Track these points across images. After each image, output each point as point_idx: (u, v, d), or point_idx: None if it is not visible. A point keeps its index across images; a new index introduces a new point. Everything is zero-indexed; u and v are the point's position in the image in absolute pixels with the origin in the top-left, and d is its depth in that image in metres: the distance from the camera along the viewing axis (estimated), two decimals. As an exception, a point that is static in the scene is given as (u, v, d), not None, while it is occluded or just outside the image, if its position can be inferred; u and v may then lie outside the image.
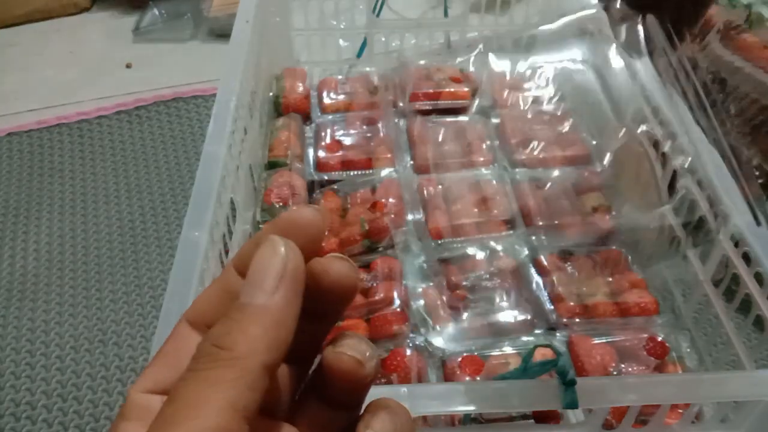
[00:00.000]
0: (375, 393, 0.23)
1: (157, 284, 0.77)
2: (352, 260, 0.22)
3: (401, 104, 0.81)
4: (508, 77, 0.84)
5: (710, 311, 0.60)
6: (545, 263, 0.64)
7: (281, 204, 0.68)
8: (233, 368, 0.18)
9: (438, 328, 0.58)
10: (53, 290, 0.77)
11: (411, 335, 0.58)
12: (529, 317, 0.60)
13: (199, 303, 0.22)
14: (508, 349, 0.58)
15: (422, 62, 0.85)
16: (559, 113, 0.79)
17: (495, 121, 0.79)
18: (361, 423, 0.22)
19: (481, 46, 0.86)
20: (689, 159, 0.61)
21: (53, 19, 1.28)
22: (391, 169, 0.73)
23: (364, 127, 0.79)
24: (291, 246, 0.20)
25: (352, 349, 0.22)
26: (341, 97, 0.83)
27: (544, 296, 0.61)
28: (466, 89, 0.81)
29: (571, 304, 0.60)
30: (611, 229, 0.67)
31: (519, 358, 0.56)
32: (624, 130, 0.69)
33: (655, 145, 0.67)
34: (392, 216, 0.66)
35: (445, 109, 0.81)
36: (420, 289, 0.61)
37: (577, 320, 0.60)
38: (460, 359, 0.56)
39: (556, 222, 0.67)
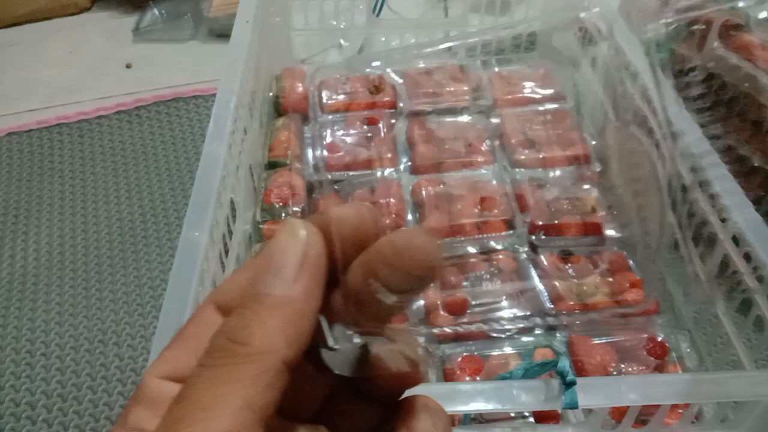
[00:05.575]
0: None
1: (157, 284, 0.77)
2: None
3: (401, 104, 0.81)
4: (507, 77, 0.84)
5: (710, 311, 0.60)
6: (545, 263, 0.64)
7: (281, 204, 0.69)
8: (251, 365, 0.17)
9: (437, 328, 0.58)
10: (53, 290, 0.77)
11: (411, 335, 0.58)
12: (529, 317, 0.60)
13: (228, 286, 0.20)
14: (508, 349, 0.58)
15: (422, 62, 0.85)
16: (559, 113, 0.79)
17: (495, 121, 0.79)
18: (401, 424, 0.20)
19: (480, 46, 0.86)
20: (690, 159, 0.61)
21: (53, 19, 1.28)
22: (392, 170, 0.73)
23: (364, 127, 0.79)
24: (312, 229, 0.18)
25: (409, 347, 0.20)
26: (341, 97, 0.83)
27: (544, 296, 0.61)
28: (466, 89, 0.81)
29: (571, 303, 0.60)
30: (611, 229, 0.67)
31: (519, 358, 0.56)
32: (619, 125, 0.69)
33: (656, 145, 0.67)
34: (393, 216, 0.66)
35: (445, 109, 0.81)
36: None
37: (577, 320, 0.60)
38: (460, 359, 0.56)
39: (556, 222, 0.67)
